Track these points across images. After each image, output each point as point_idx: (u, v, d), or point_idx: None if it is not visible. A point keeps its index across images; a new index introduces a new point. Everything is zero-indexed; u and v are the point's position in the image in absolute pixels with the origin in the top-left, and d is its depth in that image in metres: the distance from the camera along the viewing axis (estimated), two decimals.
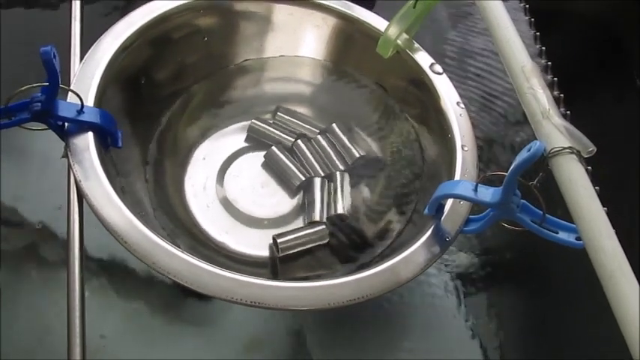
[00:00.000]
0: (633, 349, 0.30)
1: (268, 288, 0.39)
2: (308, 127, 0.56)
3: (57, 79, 0.41)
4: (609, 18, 0.74)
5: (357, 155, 0.54)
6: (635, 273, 0.32)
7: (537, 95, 0.37)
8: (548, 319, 0.58)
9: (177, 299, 0.56)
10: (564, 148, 0.35)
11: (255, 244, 0.51)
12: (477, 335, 0.57)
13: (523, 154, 0.36)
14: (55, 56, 0.40)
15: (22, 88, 0.41)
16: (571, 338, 0.56)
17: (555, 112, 0.37)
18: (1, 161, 0.58)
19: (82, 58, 0.47)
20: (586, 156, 0.36)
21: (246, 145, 0.56)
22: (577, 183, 0.34)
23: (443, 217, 0.44)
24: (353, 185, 0.54)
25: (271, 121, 0.56)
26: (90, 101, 0.44)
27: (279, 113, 0.56)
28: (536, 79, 0.38)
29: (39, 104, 0.42)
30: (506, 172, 0.38)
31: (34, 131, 0.43)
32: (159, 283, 0.55)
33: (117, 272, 0.55)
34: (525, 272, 0.61)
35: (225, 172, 0.54)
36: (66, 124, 0.44)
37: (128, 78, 0.49)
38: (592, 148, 0.36)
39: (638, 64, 0.71)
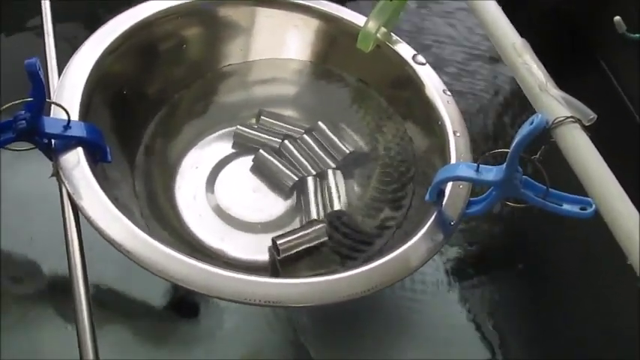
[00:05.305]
0: None
1: (282, 286, 0.38)
2: (293, 127, 0.56)
3: (43, 93, 0.39)
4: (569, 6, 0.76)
5: (347, 152, 0.54)
6: None
7: (532, 69, 0.38)
8: (542, 304, 0.59)
9: (170, 321, 0.54)
10: (567, 118, 0.36)
11: (253, 249, 0.50)
12: (474, 324, 0.58)
13: (525, 128, 0.36)
14: (39, 69, 0.38)
15: (4, 106, 0.40)
16: (565, 322, 0.57)
17: (552, 84, 0.38)
18: None
19: (59, 74, 0.46)
20: (587, 124, 0.36)
21: (233, 151, 0.55)
22: (583, 150, 0.35)
23: (444, 202, 0.44)
24: (346, 182, 0.54)
25: (256, 126, 0.55)
26: (74, 115, 0.43)
27: (262, 117, 0.56)
28: (529, 55, 0.39)
29: (24, 122, 0.40)
30: (508, 149, 0.38)
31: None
32: (149, 306, 0.54)
33: (107, 297, 0.53)
34: (518, 259, 0.62)
35: (214, 180, 0.53)
36: (53, 141, 0.42)
37: (110, 90, 0.48)
38: (592, 115, 0.36)
39: (598, 44, 0.73)
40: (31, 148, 0.42)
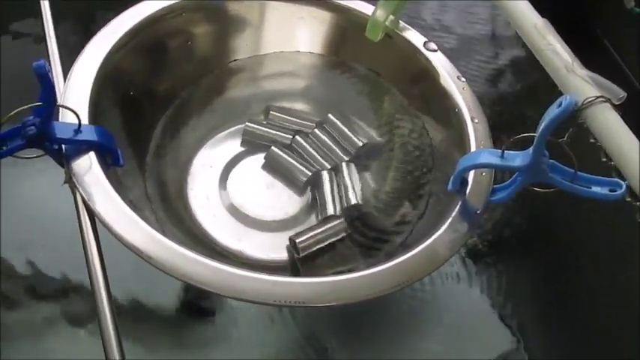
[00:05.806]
0: None
1: (310, 286, 0.37)
2: (303, 122, 0.54)
3: (53, 97, 0.38)
4: None
5: (360, 144, 0.53)
6: None
7: (557, 50, 0.37)
8: (562, 290, 0.58)
9: (186, 323, 0.54)
10: (597, 98, 0.35)
11: (271, 248, 0.49)
12: (494, 312, 0.57)
13: (553, 111, 0.35)
14: (49, 71, 0.37)
15: (13, 112, 0.38)
16: (586, 308, 0.56)
17: (578, 63, 0.37)
18: None
19: (64, 77, 0.44)
20: (617, 103, 0.35)
21: (243, 149, 0.54)
22: (616, 129, 0.34)
23: (468, 191, 0.43)
24: (361, 175, 0.52)
25: (265, 122, 0.54)
26: (84, 119, 0.41)
27: (271, 112, 0.54)
28: (552, 35, 0.38)
29: (33, 128, 0.39)
30: (534, 133, 0.37)
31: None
32: (165, 308, 0.54)
33: (122, 301, 0.53)
34: (537, 243, 0.61)
35: (227, 179, 0.52)
36: (63, 146, 0.41)
37: (117, 91, 0.47)
38: (622, 94, 0.35)
39: (600, 21, 0.72)
40: (40, 155, 0.41)
